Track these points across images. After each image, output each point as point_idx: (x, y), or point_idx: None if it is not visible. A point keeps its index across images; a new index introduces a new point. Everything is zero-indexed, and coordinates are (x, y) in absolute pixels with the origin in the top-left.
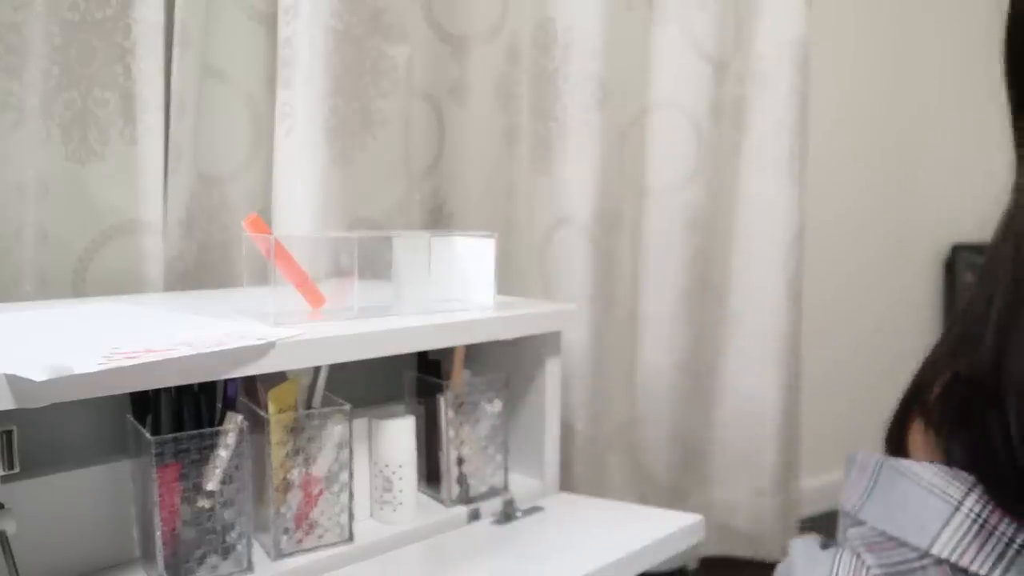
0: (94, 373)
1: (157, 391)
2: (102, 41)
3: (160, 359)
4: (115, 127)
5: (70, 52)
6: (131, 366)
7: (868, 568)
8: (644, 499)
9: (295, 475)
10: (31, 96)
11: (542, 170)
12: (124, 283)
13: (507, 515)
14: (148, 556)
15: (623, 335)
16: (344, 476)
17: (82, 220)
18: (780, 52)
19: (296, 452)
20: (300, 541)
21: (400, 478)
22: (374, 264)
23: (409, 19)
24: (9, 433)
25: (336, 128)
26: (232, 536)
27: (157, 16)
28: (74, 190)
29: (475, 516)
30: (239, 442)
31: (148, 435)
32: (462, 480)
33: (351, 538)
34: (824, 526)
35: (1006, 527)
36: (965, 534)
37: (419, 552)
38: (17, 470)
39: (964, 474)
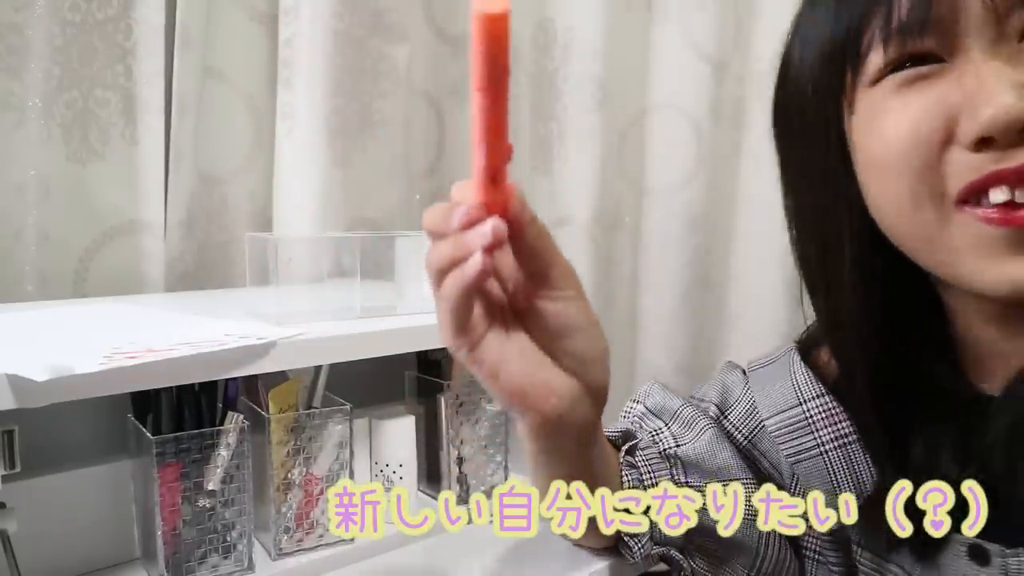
0: (95, 373)
1: (158, 391)
2: (103, 42)
3: (160, 359)
4: (116, 127)
5: (71, 52)
6: (132, 366)
7: None
8: None
9: (296, 475)
10: (32, 96)
11: (542, 170)
12: (125, 283)
13: None
14: (149, 555)
15: (623, 335)
16: (345, 476)
17: (83, 220)
18: (780, 52)
19: (297, 452)
20: (301, 541)
21: (400, 478)
22: (377, 264)
23: (409, 19)
24: (10, 433)
25: (337, 128)
26: (233, 535)
27: (158, 17)
28: (75, 190)
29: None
30: (240, 442)
31: (149, 435)
32: (462, 480)
33: (351, 538)
34: None
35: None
36: None
37: (419, 552)
38: (18, 470)
39: None
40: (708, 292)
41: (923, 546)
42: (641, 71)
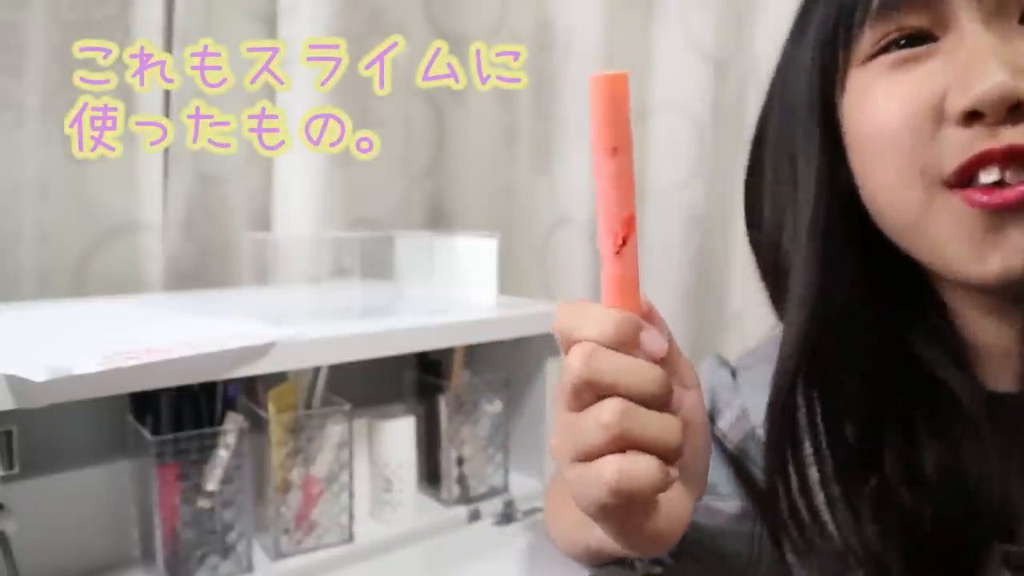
0: (94, 373)
1: (157, 391)
2: (102, 40)
3: (160, 359)
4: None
5: (70, 51)
6: (131, 366)
7: None
8: None
9: (295, 475)
10: (31, 96)
11: (542, 170)
12: (124, 283)
13: (507, 516)
14: (148, 556)
15: None
16: (344, 476)
17: (82, 220)
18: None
19: (296, 452)
20: (300, 541)
21: (400, 478)
22: (376, 264)
23: (409, 19)
24: (9, 433)
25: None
26: (232, 536)
27: (157, 15)
28: (74, 190)
29: (475, 516)
30: (239, 442)
31: (148, 435)
32: (462, 480)
33: (351, 538)
34: None
35: None
36: None
37: (419, 552)
38: (17, 470)
39: None
40: (708, 292)
41: (958, 558)
42: (642, 71)
